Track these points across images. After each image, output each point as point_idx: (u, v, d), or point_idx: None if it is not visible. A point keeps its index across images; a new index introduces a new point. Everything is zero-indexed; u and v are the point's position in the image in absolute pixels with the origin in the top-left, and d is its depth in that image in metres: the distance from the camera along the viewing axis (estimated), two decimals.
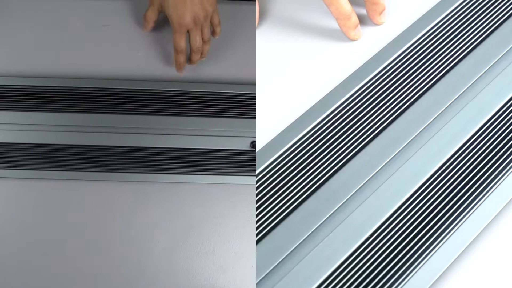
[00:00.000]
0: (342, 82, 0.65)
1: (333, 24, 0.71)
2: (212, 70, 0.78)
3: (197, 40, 0.73)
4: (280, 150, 0.60)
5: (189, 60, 0.76)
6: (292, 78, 0.68)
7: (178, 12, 0.70)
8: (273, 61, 0.70)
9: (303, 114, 0.63)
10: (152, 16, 0.76)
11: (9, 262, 0.67)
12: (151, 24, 0.77)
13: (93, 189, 0.70)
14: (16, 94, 0.73)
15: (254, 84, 0.69)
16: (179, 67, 0.75)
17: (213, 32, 0.78)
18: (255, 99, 0.68)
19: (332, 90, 0.64)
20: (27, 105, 0.73)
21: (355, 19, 0.68)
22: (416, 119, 0.61)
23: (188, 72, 0.78)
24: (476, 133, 0.60)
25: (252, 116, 0.75)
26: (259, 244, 0.54)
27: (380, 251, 0.53)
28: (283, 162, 0.59)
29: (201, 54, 0.76)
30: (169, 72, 0.78)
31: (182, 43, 0.73)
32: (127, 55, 0.78)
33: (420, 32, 0.68)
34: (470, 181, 0.57)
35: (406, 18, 0.70)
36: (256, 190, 0.57)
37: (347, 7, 0.67)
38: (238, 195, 0.72)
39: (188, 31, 0.72)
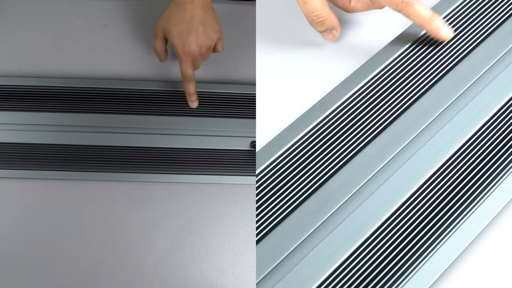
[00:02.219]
0: (342, 82, 0.65)
1: None
2: (212, 70, 0.78)
3: (197, 67, 0.72)
4: (280, 150, 0.60)
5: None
6: (292, 78, 0.68)
7: (183, 41, 0.69)
8: (273, 61, 0.70)
9: (303, 114, 0.63)
10: (160, 47, 0.73)
11: (9, 262, 0.67)
12: (163, 55, 0.74)
13: (93, 189, 0.70)
14: (16, 94, 0.73)
15: (254, 84, 0.69)
16: (191, 99, 0.74)
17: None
18: (255, 99, 0.68)
19: (332, 90, 0.64)
20: (27, 105, 0.73)
21: (437, 18, 0.64)
22: (416, 119, 0.61)
23: None
24: (475, 134, 0.60)
25: (252, 116, 0.75)
26: (259, 244, 0.54)
27: (380, 251, 0.53)
28: (283, 162, 0.59)
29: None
30: (169, 72, 0.78)
31: (189, 71, 0.71)
32: (127, 55, 0.78)
33: (420, 32, 0.68)
34: (469, 181, 0.57)
35: (406, 19, 0.70)
36: (256, 190, 0.57)
37: (425, 11, 0.63)
38: (238, 195, 0.72)
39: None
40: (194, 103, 0.74)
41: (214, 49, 0.74)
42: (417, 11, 0.62)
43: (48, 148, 0.71)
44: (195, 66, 0.73)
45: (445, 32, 0.65)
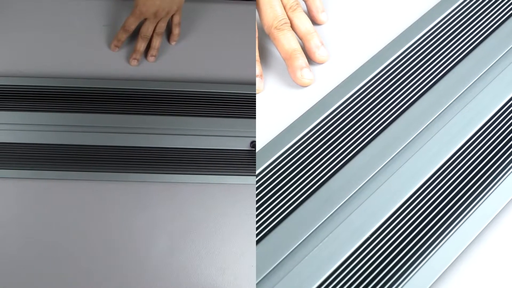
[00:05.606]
0: (342, 82, 0.65)
1: (333, 24, 0.71)
2: (213, 70, 0.78)
3: (148, 30, 0.75)
4: (280, 150, 0.60)
5: (135, 49, 0.77)
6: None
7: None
8: (273, 61, 0.70)
9: (303, 114, 0.63)
10: None
11: (9, 262, 0.67)
12: None
13: (93, 189, 0.70)
14: (16, 94, 0.73)
15: (254, 84, 0.69)
16: (135, 57, 0.76)
17: (170, 37, 0.79)
18: (255, 99, 0.68)
19: (332, 91, 0.64)
20: (27, 105, 0.73)
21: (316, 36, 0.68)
22: (416, 120, 0.61)
23: (189, 72, 0.78)
24: (475, 134, 0.60)
25: (252, 116, 0.75)
26: (259, 244, 0.54)
27: (380, 252, 0.53)
28: (283, 162, 0.59)
29: (151, 49, 0.77)
30: (170, 72, 0.78)
31: (132, 26, 0.75)
32: (127, 55, 0.78)
33: (420, 32, 0.68)
34: (469, 181, 0.57)
35: (406, 19, 0.70)
36: (256, 190, 0.57)
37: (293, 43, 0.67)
38: (238, 195, 0.72)
39: (145, 20, 0.75)
40: (135, 62, 0.77)
41: (171, 21, 0.77)
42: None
43: (48, 148, 0.71)
44: (149, 26, 0.75)
45: (301, 73, 0.66)
